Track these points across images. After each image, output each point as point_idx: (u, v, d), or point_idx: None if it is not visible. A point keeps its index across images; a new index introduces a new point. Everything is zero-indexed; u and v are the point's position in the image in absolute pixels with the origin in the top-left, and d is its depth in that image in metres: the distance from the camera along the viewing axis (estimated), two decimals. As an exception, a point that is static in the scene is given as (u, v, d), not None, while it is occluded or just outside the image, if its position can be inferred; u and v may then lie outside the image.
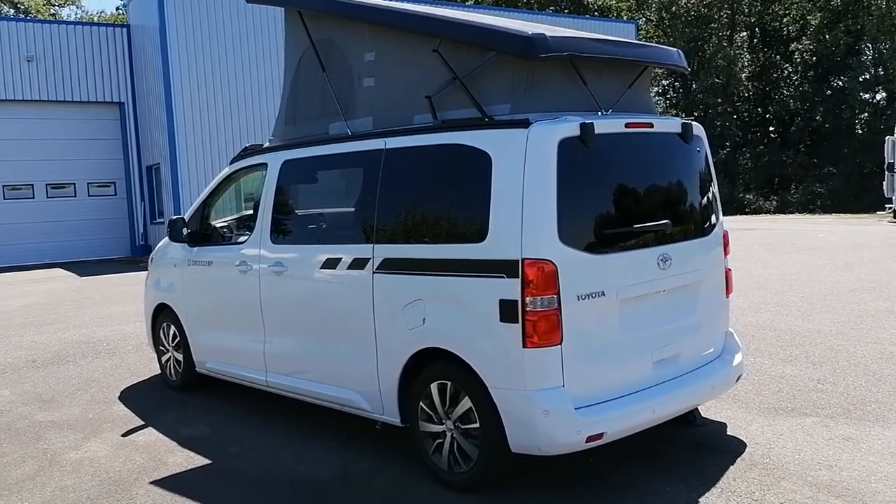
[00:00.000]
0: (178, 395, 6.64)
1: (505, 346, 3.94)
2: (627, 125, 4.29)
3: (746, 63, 41.45)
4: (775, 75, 42.15)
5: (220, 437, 5.49)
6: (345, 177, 5.31)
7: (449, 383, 4.28)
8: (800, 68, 41.67)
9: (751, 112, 42.51)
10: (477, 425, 4.15)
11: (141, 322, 10.29)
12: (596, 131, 4.01)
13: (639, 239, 4.27)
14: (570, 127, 3.98)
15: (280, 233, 5.47)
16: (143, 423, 5.93)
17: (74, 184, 22.83)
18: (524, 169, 3.90)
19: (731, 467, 4.45)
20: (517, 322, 3.87)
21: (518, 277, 3.86)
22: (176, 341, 6.67)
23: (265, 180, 5.61)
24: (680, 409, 4.49)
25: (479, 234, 4.05)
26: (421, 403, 4.46)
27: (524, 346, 3.87)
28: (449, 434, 4.33)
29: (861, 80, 38.14)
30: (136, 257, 21.94)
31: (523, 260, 3.86)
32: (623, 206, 4.27)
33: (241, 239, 5.92)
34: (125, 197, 23.50)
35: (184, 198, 19.89)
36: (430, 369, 4.40)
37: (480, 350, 4.06)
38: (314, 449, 5.14)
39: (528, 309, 3.84)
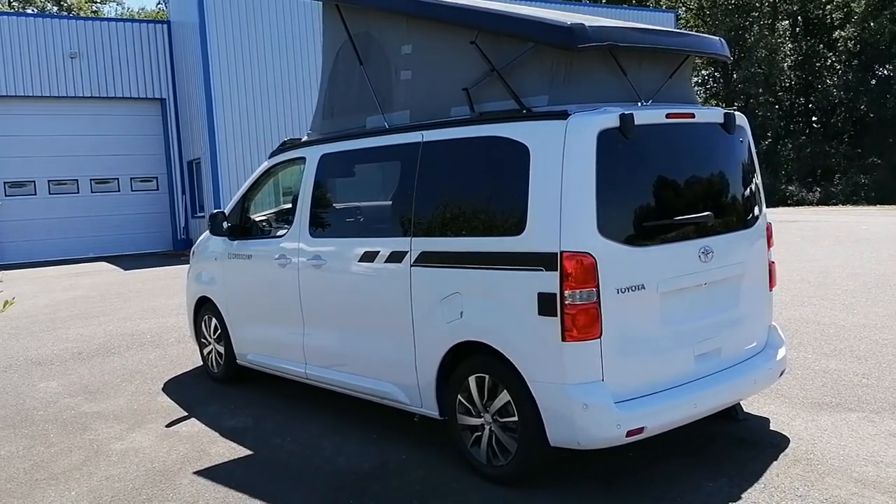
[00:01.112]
0: (219, 386, 6.74)
1: (543, 339, 3.92)
2: (668, 116, 4.23)
3: (788, 52, 40.63)
4: (818, 64, 41.28)
5: (261, 429, 5.56)
6: (382, 170, 5.33)
7: (487, 377, 4.28)
8: (843, 57, 40.74)
9: (793, 102, 41.71)
10: (515, 419, 4.14)
11: (183, 315, 10.47)
12: (636, 122, 3.97)
13: (680, 231, 4.22)
14: (609, 118, 3.94)
15: (318, 226, 5.51)
16: (186, 414, 6.03)
17: (118, 179, 23.28)
18: (563, 161, 3.87)
19: (774, 463, 4.38)
20: (556, 315, 3.85)
21: (556, 270, 3.84)
22: (217, 334, 6.76)
23: (303, 174, 5.65)
24: (722, 404, 4.43)
25: (517, 226, 4.04)
26: (459, 397, 4.46)
27: (563, 339, 3.85)
28: (487, 427, 4.33)
29: (907, 68, 37.15)
30: (177, 251, 22.29)
31: (562, 253, 3.83)
32: (664, 197, 4.22)
33: (281, 232, 5.98)
34: (167, 191, 23.90)
35: (223, 192, 20.15)
36: (468, 363, 4.40)
37: (518, 343, 4.05)
38: (353, 440, 5.17)
39: (566, 302, 3.82)
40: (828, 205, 32.05)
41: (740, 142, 4.65)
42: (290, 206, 6.24)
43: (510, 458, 4.20)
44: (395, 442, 5.08)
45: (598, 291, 3.84)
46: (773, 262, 4.88)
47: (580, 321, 3.82)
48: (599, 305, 3.85)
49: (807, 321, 7.83)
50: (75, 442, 5.51)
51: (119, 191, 23.37)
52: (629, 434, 3.88)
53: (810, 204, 33.32)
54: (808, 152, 38.39)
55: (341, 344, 5.32)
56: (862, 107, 39.04)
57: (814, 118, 42.10)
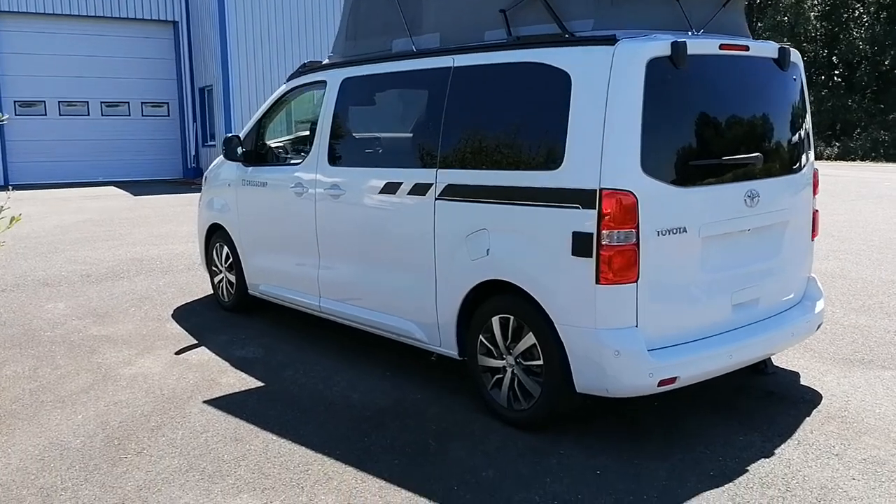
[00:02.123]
0: (230, 316, 6.59)
1: (576, 281, 3.71)
2: (721, 47, 3.93)
3: (816, 1, 39.39)
4: (845, 15, 40.02)
5: (272, 360, 5.41)
6: (408, 96, 5.06)
7: (512, 318, 4.09)
8: (872, 9, 39.47)
9: (817, 54, 40.58)
10: (540, 362, 3.97)
11: (193, 243, 10.33)
12: (688, 52, 3.68)
13: (726, 173, 3.97)
14: (660, 46, 3.65)
15: (338, 154, 5.27)
16: (195, 342, 5.89)
17: (128, 103, 22.94)
18: (608, 90, 3.60)
19: (807, 419, 4.21)
20: (591, 256, 3.64)
21: (594, 209, 3.61)
22: (229, 262, 6.58)
23: (323, 99, 5.37)
24: (758, 356, 4.24)
25: (554, 160, 3.79)
26: (481, 337, 4.29)
27: (597, 282, 3.64)
28: (509, 370, 4.16)
29: (936, 24, 35.99)
30: (187, 179, 22.11)
31: (601, 190, 3.59)
32: (712, 135, 3.95)
33: (297, 160, 5.74)
34: (178, 118, 23.56)
35: (235, 120, 19.82)
36: (493, 302, 4.21)
37: (548, 284, 3.84)
38: (366, 376, 5.03)
39: (603, 243, 3.60)
40: (846, 160, 31.47)
41: (793, 80, 4.35)
42: (307, 133, 6.00)
43: (532, 402, 4.03)
44: (409, 379, 4.93)
45: (637, 233, 3.61)
46: (817, 211, 4.63)
47: (616, 263, 3.60)
48: (638, 248, 3.62)
49: (833, 275, 7.60)
50: (82, 365, 5.38)
51: (129, 115, 23.05)
52: (661, 384, 3.70)
53: (828, 158, 32.72)
54: (828, 106, 37.51)
55: (358, 278, 5.12)
56: (886, 62, 37.99)
57: (836, 72, 41.01)
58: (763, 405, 4.41)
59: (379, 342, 5.34)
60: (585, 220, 3.64)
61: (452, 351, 4.51)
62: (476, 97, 4.29)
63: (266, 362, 5.38)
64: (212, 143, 22.01)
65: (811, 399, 4.49)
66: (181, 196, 17.65)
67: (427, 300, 4.55)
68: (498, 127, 4.15)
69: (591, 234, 3.62)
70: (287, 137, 6.65)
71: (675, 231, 3.72)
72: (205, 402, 4.67)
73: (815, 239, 4.67)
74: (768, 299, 4.26)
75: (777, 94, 4.27)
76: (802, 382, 4.76)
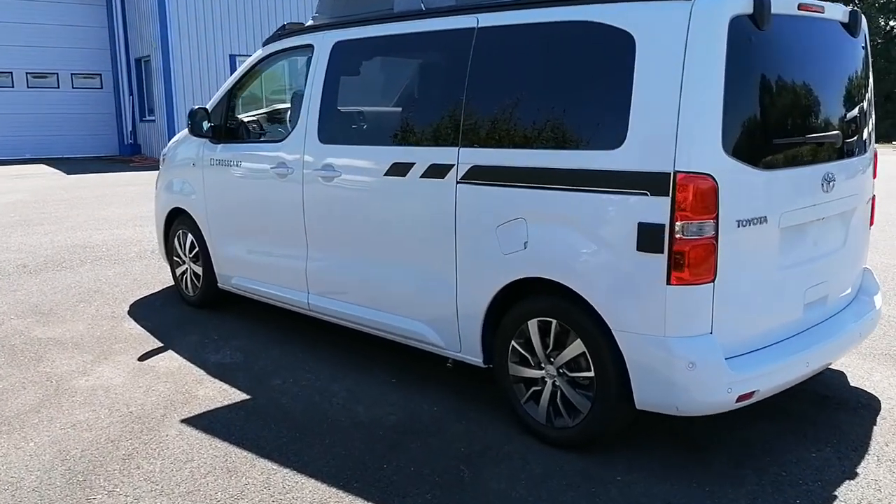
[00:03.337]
0: (196, 312, 5.85)
1: (641, 280, 3.15)
2: (800, 7, 3.39)
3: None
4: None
5: (255, 367, 4.73)
6: (418, 63, 4.39)
7: (554, 321, 3.51)
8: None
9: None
10: (590, 374, 3.41)
11: (141, 226, 9.46)
12: (771, 10, 3.12)
13: (806, 153, 3.45)
14: (742, 2, 3.08)
15: (330, 130, 4.57)
16: (160, 345, 5.15)
17: (57, 74, 21.50)
18: (685, 55, 3.02)
19: (876, 429, 3.77)
20: (661, 252, 3.07)
21: (668, 196, 3.04)
22: (194, 252, 5.83)
23: (311, 66, 4.66)
24: (830, 361, 3.76)
25: (614, 138, 3.20)
26: (513, 343, 3.70)
27: (668, 282, 3.08)
28: (549, 381, 3.59)
29: None
30: (124, 156, 20.88)
31: (676, 173, 3.02)
32: (794, 109, 3.42)
33: (278, 137, 5.02)
34: (112, 91, 22.18)
35: (177, 94, 18.67)
36: (530, 303, 3.63)
37: (604, 284, 3.27)
38: (368, 385, 4.40)
39: (677, 236, 3.04)
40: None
41: (862, 48, 3.85)
42: (288, 105, 5.30)
43: (580, 419, 3.47)
44: (419, 389, 4.32)
45: (716, 224, 3.06)
46: (874, 196, 4.17)
47: (693, 260, 3.05)
48: (716, 241, 3.07)
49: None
50: (29, 376, 4.61)
51: (58, 87, 21.62)
52: (739, 399, 3.18)
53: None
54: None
55: (356, 273, 4.47)
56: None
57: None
58: (821, 411, 3.95)
59: (376, 343, 4.71)
60: (655, 208, 3.08)
61: (475, 358, 3.92)
62: (509, 63, 3.66)
63: (248, 369, 4.69)
64: (150, 117, 20.77)
65: (869, 403, 4.06)
66: (120, 175, 16.55)
67: (444, 300, 3.94)
68: (539, 97, 3.52)
69: (663, 226, 3.06)
70: (263, 110, 5.90)
71: (755, 221, 3.19)
72: (183, 421, 3.97)
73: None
74: (834, 296, 3.78)
75: (848, 63, 3.77)
76: (852, 384, 4.33)
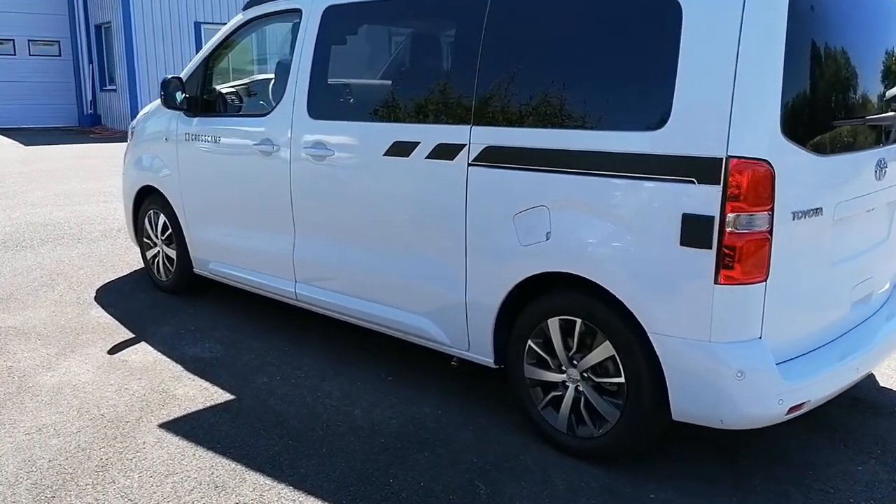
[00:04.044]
0: (170, 299, 5.42)
1: (685, 279, 2.82)
2: (860, -25, 3.05)
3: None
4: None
5: (238, 362, 4.33)
6: (422, 28, 3.98)
7: (579, 321, 3.18)
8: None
9: None
10: (620, 380, 3.08)
11: (106, 202, 8.94)
12: (834, -23, 2.79)
13: (862, 136, 3.13)
14: (805, -33, 2.73)
15: (322, 105, 4.16)
16: (132, 335, 4.73)
17: (13, 40, 20.53)
18: (741, 23, 2.67)
19: (917, 436, 3.51)
20: (710, 248, 2.74)
21: (718, 184, 2.70)
22: (167, 234, 5.39)
23: (299, 33, 4.23)
24: (876, 365, 3.48)
25: (655, 117, 2.85)
26: (530, 342, 3.36)
27: (716, 281, 2.76)
28: (572, 386, 3.26)
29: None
30: (84, 127, 20.07)
31: (729, 158, 2.68)
32: (851, 86, 3.09)
33: (262, 111, 4.58)
34: (71, 59, 21.26)
35: (139, 62, 17.90)
36: (551, 300, 3.29)
37: (640, 282, 2.94)
38: (363, 383, 4.03)
39: (728, 230, 2.71)
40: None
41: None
42: (272, 75, 4.85)
43: (607, 429, 3.15)
44: (420, 390, 3.97)
45: (771, 216, 2.73)
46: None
47: (746, 257, 2.72)
48: (770, 235, 2.75)
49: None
50: (-14, 372, 4.17)
51: (15, 54, 20.66)
52: (790, 411, 2.88)
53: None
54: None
55: (350, 261, 4.08)
56: None
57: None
58: (853, 416, 3.69)
59: (368, 336, 4.34)
60: (704, 198, 2.74)
61: (486, 357, 3.58)
62: (530, 29, 3.27)
63: (230, 364, 4.30)
64: (111, 87, 19.94)
65: (903, 406, 3.81)
66: (80, 146, 15.83)
67: (452, 294, 3.58)
68: (566, 71, 3.15)
69: (712, 218, 2.72)
70: (243, 81, 5.43)
71: (810, 213, 2.87)
72: (161, 426, 3.58)
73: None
74: (877, 293, 3.50)
75: (893, 35, 3.44)
76: (882, 384, 4.07)
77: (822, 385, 2.97)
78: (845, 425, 3.60)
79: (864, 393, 3.94)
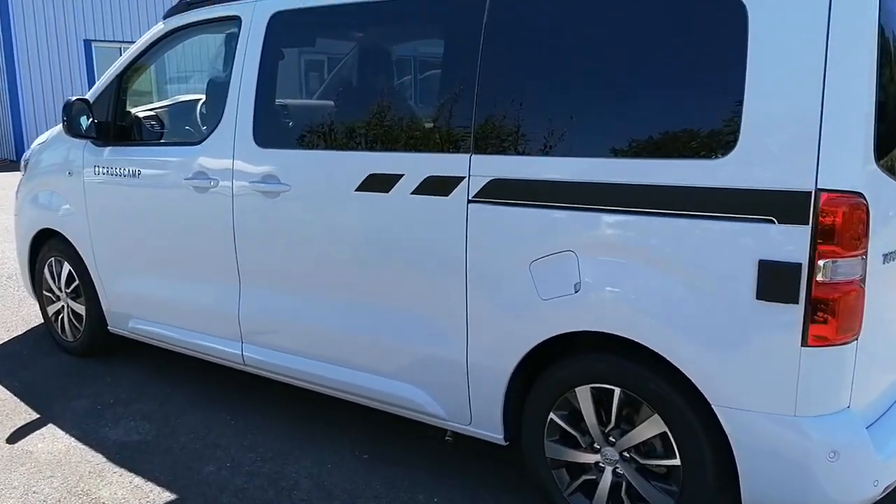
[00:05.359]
0: (80, 364, 4.55)
1: (762, 340, 2.30)
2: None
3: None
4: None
5: (174, 445, 3.55)
6: (400, 34, 3.36)
7: (618, 390, 2.61)
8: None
9: None
10: (674, 462, 2.53)
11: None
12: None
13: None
14: (894, -42, 2.27)
15: (272, 130, 3.46)
16: (36, 415, 3.87)
17: None
18: (827, 30, 2.17)
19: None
20: (796, 301, 2.23)
21: (807, 223, 2.19)
22: (73, 286, 4.53)
23: (239, 44, 3.53)
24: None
25: (717, 142, 2.32)
26: (552, 416, 2.77)
27: (804, 342, 2.24)
28: (609, 469, 2.69)
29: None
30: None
31: (819, 192, 2.18)
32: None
33: (194, 138, 3.84)
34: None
35: (22, 85, 16.36)
36: (580, 364, 2.71)
37: (702, 344, 2.39)
38: (336, 467, 3.34)
39: (819, 279, 2.20)
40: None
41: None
42: (199, 97, 4.13)
43: (659, 523, 2.59)
44: (403, 467, 3.31)
45: (864, 260, 2.25)
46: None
47: (840, 311, 2.22)
48: (863, 284, 2.26)
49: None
50: None
51: None
52: (884, 491, 2.39)
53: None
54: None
55: (314, 318, 3.38)
56: None
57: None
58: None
59: (330, 401, 3.65)
60: (786, 241, 2.22)
61: (493, 433, 2.96)
62: (546, 30, 2.69)
63: (165, 449, 3.51)
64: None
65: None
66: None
67: (448, 358, 2.96)
68: (598, 82, 2.59)
69: (799, 266, 2.21)
70: (164, 103, 4.64)
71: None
72: (85, 547, 2.79)
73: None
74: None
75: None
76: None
77: (914, 456, 2.50)
78: None
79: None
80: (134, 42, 4.14)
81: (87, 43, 16.98)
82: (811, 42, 2.18)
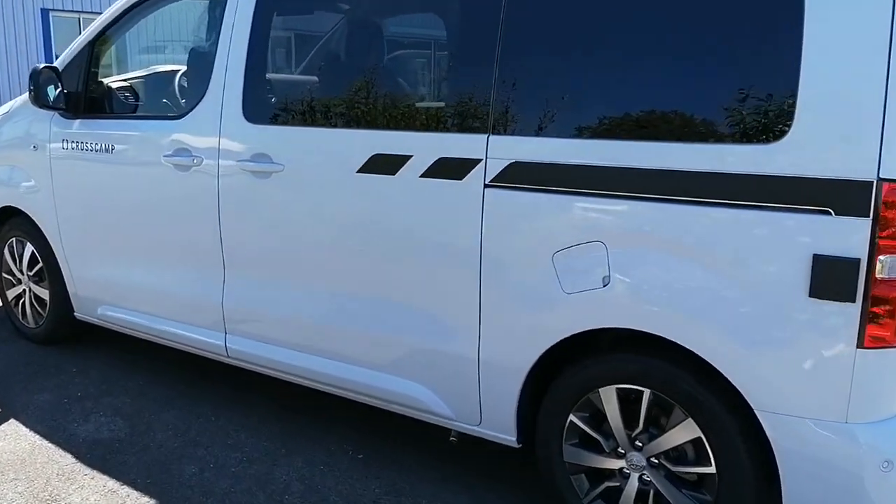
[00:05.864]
0: (44, 352, 4.23)
1: (814, 340, 2.12)
2: None
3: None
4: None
5: (150, 443, 3.28)
6: (408, 9, 3.10)
7: (647, 391, 2.42)
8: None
9: None
10: (710, 469, 2.35)
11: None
12: None
13: None
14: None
15: (263, 105, 3.20)
16: (-3, 409, 3.57)
17: None
18: (894, 5, 1.99)
19: None
20: (853, 300, 2.05)
21: (867, 216, 2.01)
22: (36, 269, 4.21)
23: (227, 10, 3.24)
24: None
25: (769, 125, 2.13)
26: (572, 417, 2.58)
27: (860, 343, 2.07)
28: (635, 475, 2.50)
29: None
30: None
31: (881, 182, 2.00)
32: None
33: (174, 111, 3.55)
34: None
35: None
36: (606, 363, 2.52)
37: (746, 344, 2.21)
38: (330, 468, 3.10)
39: (880, 276, 2.03)
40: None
41: None
42: (179, 68, 3.83)
43: (689, 534, 2.42)
44: (402, 469, 3.09)
45: (927, 256, 2.08)
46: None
47: (901, 311, 2.05)
48: (924, 281, 2.10)
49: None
50: None
51: None
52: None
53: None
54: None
55: (308, 308, 3.13)
56: None
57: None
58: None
59: (319, 395, 3.41)
60: (843, 235, 2.05)
61: (505, 435, 2.75)
62: (577, 8, 2.48)
63: (141, 448, 3.24)
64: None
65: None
66: None
67: (457, 354, 2.74)
68: (634, 55, 2.37)
69: (857, 262, 2.04)
70: (140, 73, 4.31)
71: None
72: (57, 559, 2.53)
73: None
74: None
75: None
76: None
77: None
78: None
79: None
80: (94, 12, 3.82)
81: (45, 12, 16.29)
82: (875, 17, 2.00)
